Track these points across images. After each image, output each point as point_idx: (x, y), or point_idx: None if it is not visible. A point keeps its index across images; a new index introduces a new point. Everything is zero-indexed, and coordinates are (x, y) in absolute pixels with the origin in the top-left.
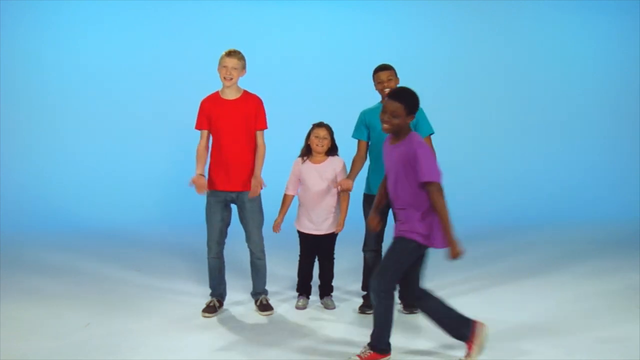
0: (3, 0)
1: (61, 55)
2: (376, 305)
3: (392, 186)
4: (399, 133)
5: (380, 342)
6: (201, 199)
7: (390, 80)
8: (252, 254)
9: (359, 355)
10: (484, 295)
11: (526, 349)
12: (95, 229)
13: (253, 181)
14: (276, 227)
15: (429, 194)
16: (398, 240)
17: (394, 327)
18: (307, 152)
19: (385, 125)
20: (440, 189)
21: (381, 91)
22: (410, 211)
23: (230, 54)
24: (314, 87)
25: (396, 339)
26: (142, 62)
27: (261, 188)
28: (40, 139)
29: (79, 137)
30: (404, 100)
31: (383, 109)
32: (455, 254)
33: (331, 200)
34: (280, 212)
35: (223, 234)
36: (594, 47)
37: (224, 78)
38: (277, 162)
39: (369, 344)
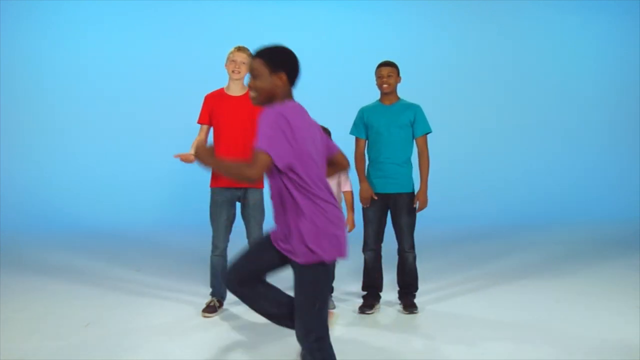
0: (3, 0)
1: (61, 56)
2: None
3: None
4: (270, 102)
5: None
6: (203, 199)
7: (390, 76)
8: None
9: None
10: (484, 295)
11: (526, 349)
12: (95, 229)
13: None
14: None
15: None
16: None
17: (393, 327)
18: None
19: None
20: (256, 163)
21: (380, 86)
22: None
23: (240, 48)
24: (313, 87)
25: (395, 338)
26: (142, 63)
27: None
28: (40, 140)
29: (79, 137)
30: (263, 54)
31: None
32: None
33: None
34: None
35: (228, 231)
36: (594, 47)
37: (232, 72)
38: None
39: None
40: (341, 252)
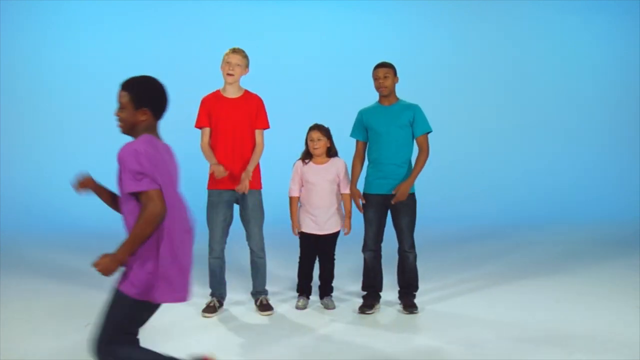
0: (3, 1)
1: (61, 56)
2: None
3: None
4: (133, 132)
5: None
6: (201, 199)
7: (386, 77)
8: (252, 252)
9: None
10: (484, 295)
11: (526, 349)
12: (95, 229)
13: (243, 175)
14: (296, 230)
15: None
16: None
17: (393, 327)
18: (307, 155)
19: (118, 124)
20: (152, 200)
21: (377, 88)
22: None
23: (235, 50)
24: (313, 87)
25: (395, 338)
26: (142, 62)
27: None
28: (40, 139)
29: (79, 137)
30: (130, 89)
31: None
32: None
33: (334, 200)
34: (293, 216)
35: (225, 233)
36: (595, 47)
37: (227, 74)
38: (277, 163)
39: None
40: (164, 298)
